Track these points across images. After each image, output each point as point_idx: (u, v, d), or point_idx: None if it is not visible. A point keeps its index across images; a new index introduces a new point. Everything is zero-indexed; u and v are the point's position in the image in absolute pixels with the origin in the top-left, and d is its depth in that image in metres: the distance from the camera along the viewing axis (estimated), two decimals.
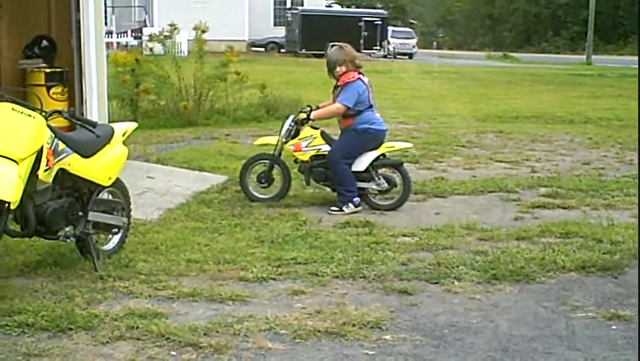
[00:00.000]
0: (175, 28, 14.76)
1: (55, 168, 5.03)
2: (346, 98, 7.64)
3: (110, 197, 5.91)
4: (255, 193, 8.04)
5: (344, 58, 7.74)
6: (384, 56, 47.63)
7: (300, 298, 5.07)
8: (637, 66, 38.63)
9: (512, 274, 5.58)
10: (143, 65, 13.94)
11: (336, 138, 7.93)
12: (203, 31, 14.38)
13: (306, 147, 7.89)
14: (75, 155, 5.22)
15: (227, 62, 14.31)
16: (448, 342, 4.42)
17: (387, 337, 4.47)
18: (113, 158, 5.65)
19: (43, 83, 9.68)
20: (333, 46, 8.40)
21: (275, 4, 53.42)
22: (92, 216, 5.53)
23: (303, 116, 7.91)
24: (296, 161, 8.10)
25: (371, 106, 7.80)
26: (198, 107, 14.42)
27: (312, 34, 45.28)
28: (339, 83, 7.78)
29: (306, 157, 7.91)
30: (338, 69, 7.73)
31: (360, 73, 7.79)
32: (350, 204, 7.61)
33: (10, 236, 5.08)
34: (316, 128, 7.97)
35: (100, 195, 5.66)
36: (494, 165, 10.71)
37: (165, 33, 15.08)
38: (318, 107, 8.00)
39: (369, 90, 7.78)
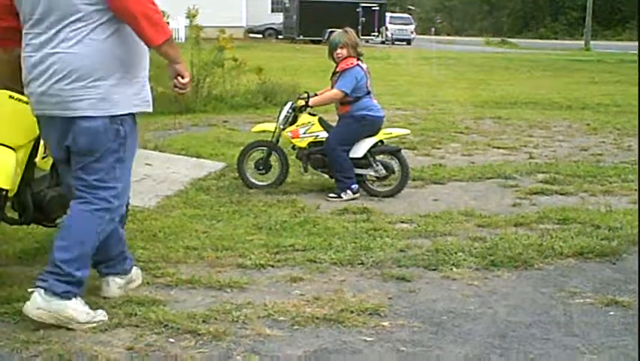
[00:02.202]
0: (164, 15, 14.64)
1: None
2: (344, 84, 7.64)
3: None
4: (253, 180, 8.04)
5: (346, 41, 7.73)
6: (383, 42, 47.62)
7: (299, 285, 5.08)
8: (635, 52, 38.63)
9: (510, 261, 5.58)
10: None
11: (334, 124, 7.92)
12: (194, 16, 14.28)
13: (304, 133, 7.89)
14: None
15: (221, 47, 14.26)
16: (447, 328, 4.43)
17: (386, 323, 4.47)
18: None
19: None
20: (331, 32, 8.39)
21: None
22: None
23: (302, 103, 7.90)
24: (294, 147, 8.10)
25: (369, 92, 7.79)
26: (196, 93, 14.38)
27: (310, 21, 45.27)
28: (337, 70, 7.77)
29: (303, 144, 7.91)
30: (339, 51, 7.72)
31: (359, 59, 7.78)
32: (348, 191, 7.61)
33: (8, 224, 5.07)
34: (314, 115, 7.97)
35: None
36: (492, 151, 10.71)
37: None
38: (316, 95, 8.00)
39: (368, 77, 7.77)
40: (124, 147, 4.32)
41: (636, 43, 48.95)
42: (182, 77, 4.45)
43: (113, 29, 4.19)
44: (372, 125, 7.77)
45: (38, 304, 4.18)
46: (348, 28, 7.95)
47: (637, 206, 7.34)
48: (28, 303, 4.20)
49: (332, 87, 7.81)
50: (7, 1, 4.42)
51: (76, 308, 4.24)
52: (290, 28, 47.68)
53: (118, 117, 4.24)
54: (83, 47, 4.13)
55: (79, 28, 4.13)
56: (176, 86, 4.50)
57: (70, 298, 4.22)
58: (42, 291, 4.19)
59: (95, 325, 4.27)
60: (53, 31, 4.14)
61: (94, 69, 4.15)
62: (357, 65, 7.71)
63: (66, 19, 4.12)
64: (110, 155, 4.28)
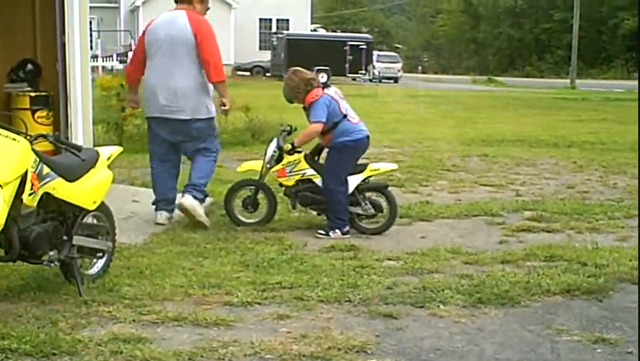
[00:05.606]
0: None
1: (40, 192, 5.01)
2: (317, 115, 7.61)
3: (95, 221, 5.89)
4: (241, 218, 8.02)
5: (294, 95, 7.82)
6: (370, 80, 47.80)
7: (286, 323, 5.06)
8: (620, 90, 38.94)
9: (497, 298, 5.58)
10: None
11: (321, 161, 7.93)
12: None
13: (290, 172, 7.88)
14: (60, 179, 5.21)
15: None
16: None
17: None
18: (98, 182, 5.64)
19: (28, 106, 9.66)
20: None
21: (260, 28, 53.67)
22: (77, 240, 5.50)
23: (289, 147, 7.82)
24: (281, 185, 8.10)
25: (345, 115, 7.75)
26: None
27: (297, 59, 45.14)
28: (305, 105, 7.77)
29: (290, 182, 7.90)
30: (296, 102, 7.84)
31: (324, 87, 7.79)
32: (337, 230, 7.58)
33: None
34: (300, 152, 7.96)
35: (85, 219, 5.65)
36: (479, 188, 10.74)
37: None
38: (295, 129, 8.05)
39: (339, 99, 7.74)
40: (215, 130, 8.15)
41: (621, 82, 49.46)
42: (225, 105, 8.03)
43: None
44: (356, 149, 7.75)
45: (190, 201, 7.63)
46: (290, 74, 7.92)
47: (623, 243, 7.37)
48: (182, 201, 7.64)
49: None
50: (142, 56, 7.87)
51: (200, 208, 7.74)
52: (278, 65, 47.79)
53: (213, 118, 8.01)
54: (197, 77, 7.77)
55: (193, 67, 7.72)
56: (221, 106, 8.06)
57: (202, 203, 7.81)
58: (191, 196, 7.64)
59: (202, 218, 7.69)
60: (177, 67, 7.68)
61: (204, 91, 7.82)
62: (323, 93, 7.71)
63: (191, 63, 7.72)
64: (213, 135, 8.09)
